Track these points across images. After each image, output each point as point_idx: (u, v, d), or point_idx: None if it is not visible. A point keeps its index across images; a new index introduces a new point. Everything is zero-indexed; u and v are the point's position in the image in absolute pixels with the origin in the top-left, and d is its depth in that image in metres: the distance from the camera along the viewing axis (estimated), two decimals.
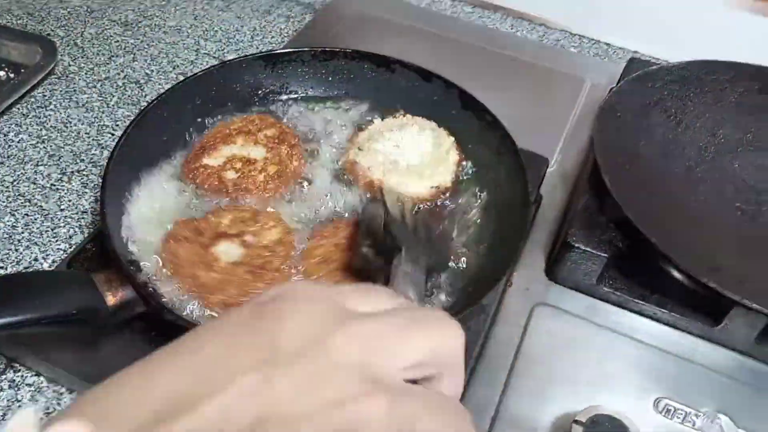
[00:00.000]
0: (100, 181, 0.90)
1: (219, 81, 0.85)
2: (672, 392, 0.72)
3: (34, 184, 0.91)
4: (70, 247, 0.84)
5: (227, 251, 0.68)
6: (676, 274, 0.79)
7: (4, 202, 0.88)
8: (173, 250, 0.68)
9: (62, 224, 0.87)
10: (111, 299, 0.59)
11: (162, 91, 1.04)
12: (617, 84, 0.99)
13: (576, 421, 0.63)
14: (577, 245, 0.77)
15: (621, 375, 0.74)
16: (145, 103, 1.01)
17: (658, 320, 0.79)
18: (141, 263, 0.67)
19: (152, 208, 0.74)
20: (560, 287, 0.82)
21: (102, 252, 0.75)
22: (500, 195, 0.78)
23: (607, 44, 1.24)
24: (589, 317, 0.79)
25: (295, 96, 0.89)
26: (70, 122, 1.01)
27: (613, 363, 0.75)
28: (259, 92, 0.88)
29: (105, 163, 0.73)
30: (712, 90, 0.96)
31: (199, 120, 0.84)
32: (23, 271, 0.80)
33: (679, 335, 0.78)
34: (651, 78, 0.95)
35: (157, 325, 0.71)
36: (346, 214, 0.76)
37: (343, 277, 0.65)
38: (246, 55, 0.86)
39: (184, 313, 0.64)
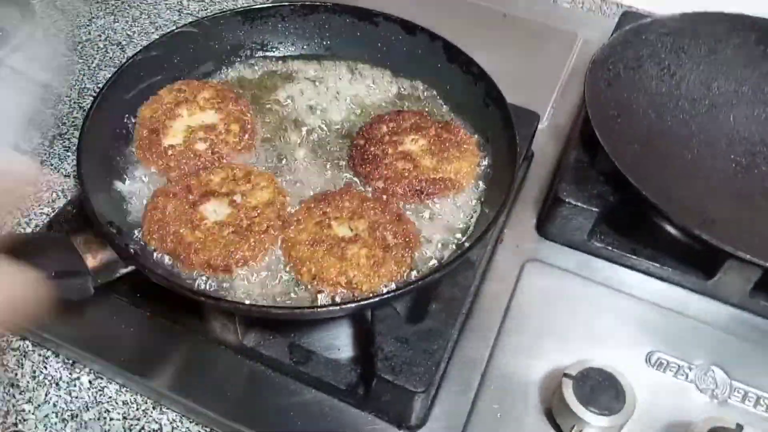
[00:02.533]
0: None
1: (197, 39, 0.82)
2: (664, 346, 0.71)
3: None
4: (53, 212, 0.82)
5: (215, 210, 0.67)
6: (668, 227, 0.78)
7: None
8: (161, 205, 0.67)
9: (44, 188, 0.85)
10: (91, 261, 0.58)
11: None
12: (610, 37, 0.97)
13: (566, 375, 0.62)
14: (567, 200, 0.76)
15: (613, 330, 0.73)
16: None
17: (650, 274, 0.78)
18: (123, 223, 0.66)
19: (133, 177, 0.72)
20: (551, 243, 0.81)
21: (83, 214, 0.74)
22: (489, 149, 0.76)
23: None
24: (581, 272, 0.78)
25: (277, 54, 0.87)
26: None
27: (604, 318, 0.74)
28: (239, 50, 0.86)
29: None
30: (707, 42, 0.94)
31: (178, 79, 0.81)
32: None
33: (671, 289, 0.77)
34: (644, 31, 0.93)
35: (141, 287, 0.70)
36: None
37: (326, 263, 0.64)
38: (223, 11, 0.83)
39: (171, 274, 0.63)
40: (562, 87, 1.02)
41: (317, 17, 0.85)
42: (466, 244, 0.66)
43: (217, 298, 0.59)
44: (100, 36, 1.06)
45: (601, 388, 0.62)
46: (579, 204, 0.76)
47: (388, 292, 0.60)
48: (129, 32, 1.07)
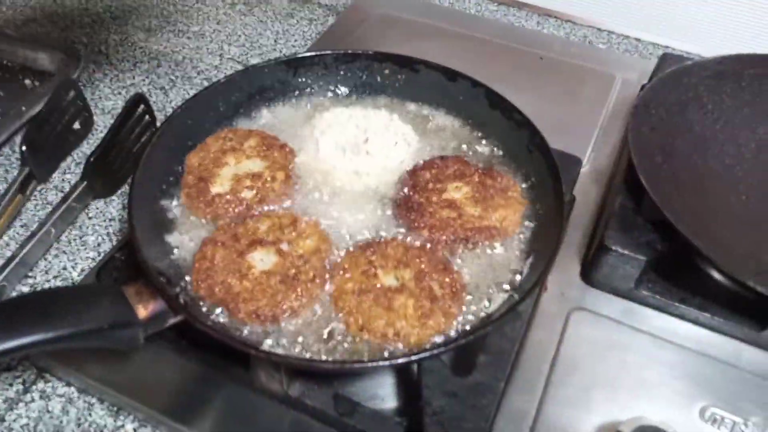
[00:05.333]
0: (128, 188, 0.90)
1: (241, 86, 0.84)
2: (718, 400, 0.69)
3: (61, 192, 0.91)
4: (99, 255, 0.83)
5: (262, 259, 0.67)
6: (718, 276, 0.76)
7: (32, 210, 0.88)
8: (209, 254, 0.67)
9: (90, 232, 0.86)
10: (142, 312, 0.58)
11: (187, 97, 1.04)
12: (650, 80, 0.97)
13: None
14: (614, 248, 0.75)
15: (663, 382, 0.71)
16: (170, 109, 1.02)
17: (700, 324, 0.76)
18: (172, 273, 0.66)
19: (183, 222, 0.73)
20: (596, 291, 0.79)
21: (131, 262, 0.74)
22: (534, 196, 0.76)
23: (637, 39, 1.21)
24: (628, 321, 0.76)
25: (319, 97, 0.88)
26: (96, 129, 1.00)
27: (654, 369, 0.72)
28: (282, 95, 0.87)
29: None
30: (750, 84, 0.93)
31: (222, 126, 0.83)
32: (54, 286, 0.79)
33: (722, 340, 0.75)
34: (686, 74, 0.92)
35: (188, 336, 0.70)
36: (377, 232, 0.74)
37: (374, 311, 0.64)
38: (269, 60, 0.85)
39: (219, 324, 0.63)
40: (602, 129, 1.01)
41: (359, 64, 0.86)
42: (515, 295, 0.65)
43: (267, 352, 0.59)
44: (144, 81, 1.09)
45: None
46: (626, 252, 0.74)
47: (439, 346, 0.59)
48: (172, 77, 1.09)
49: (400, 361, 0.57)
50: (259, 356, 0.58)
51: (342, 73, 0.87)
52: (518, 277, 0.69)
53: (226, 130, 0.80)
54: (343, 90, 0.89)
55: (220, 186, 0.74)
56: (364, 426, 0.64)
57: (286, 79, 0.86)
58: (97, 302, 0.57)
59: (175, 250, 0.70)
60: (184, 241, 0.71)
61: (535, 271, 0.66)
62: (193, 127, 0.79)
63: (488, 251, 0.72)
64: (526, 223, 0.74)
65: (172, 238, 0.71)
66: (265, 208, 0.73)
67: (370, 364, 0.58)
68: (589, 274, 0.79)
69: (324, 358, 0.61)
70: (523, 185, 0.77)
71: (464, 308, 0.66)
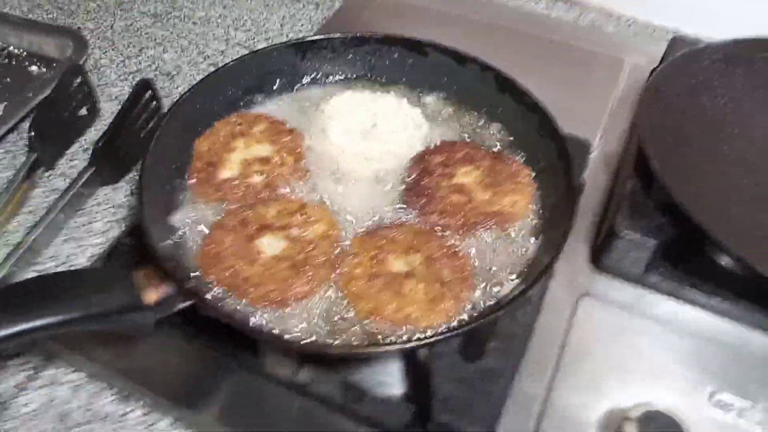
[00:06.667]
0: (135, 174, 0.90)
1: (250, 71, 0.83)
2: (727, 385, 0.69)
3: (68, 178, 0.90)
4: (107, 241, 0.83)
5: (271, 244, 0.67)
6: (729, 261, 0.76)
7: (39, 197, 0.88)
8: (218, 239, 0.67)
9: (98, 218, 0.86)
10: (152, 296, 0.58)
11: (193, 82, 1.04)
12: (660, 64, 0.96)
13: (627, 418, 0.61)
14: (624, 232, 0.74)
15: (672, 367, 0.71)
16: (177, 95, 1.01)
17: (709, 309, 0.76)
18: (181, 258, 0.66)
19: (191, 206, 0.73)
20: (605, 276, 0.79)
21: (140, 247, 0.74)
22: (544, 181, 0.75)
23: (647, 23, 1.20)
24: (637, 307, 0.76)
25: (326, 81, 0.88)
26: (102, 116, 1.00)
27: (663, 355, 0.72)
28: (289, 80, 0.87)
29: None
30: (762, 68, 0.92)
31: (230, 110, 0.82)
32: (62, 270, 0.79)
33: (732, 325, 0.75)
34: (696, 57, 0.91)
35: (196, 322, 0.70)
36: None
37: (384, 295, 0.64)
38: (276, 44, 0.84)
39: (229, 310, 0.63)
40: (611, 114, 1.00)
41: (368, 48, 0.86)
42: (525, 280, 0.65)
43: (277, 336, 0.59)
44: (150, 66, 1.08)
45: None
46: (636, 236, 0.74)
47: (450, 330, 0.59)
48: (178, 62, 1.09)
49: (412, 344, 0.57)
50: (270, 341, 0.58)
51: (350, 56, 0.87)
52: (528, 262, 0.68)
53: (234, 115, 0.80)
54: (351, 74, 0.88)
55: (228, 171, 0.74)
56: (372, 412, 0.64)
57: (294, 63, 0.85)
58: (105, 286, 0.57)
59: (184, 235, 0.70)
60: (192, 225, 0.71)
61: (546, 255, 0.66)
62: (202, 112, 0.79)
63: (498, 236, 0.71)
64: (536, 208, 0.74)
65: (180, 223, 0.71)
66: (274, 193, 0.73)
67: (381, 349, 0.58)
68: (598, 259, 0.79)
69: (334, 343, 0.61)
70: (534, 170, 0.77)
71: (474, 293, 0.66)
